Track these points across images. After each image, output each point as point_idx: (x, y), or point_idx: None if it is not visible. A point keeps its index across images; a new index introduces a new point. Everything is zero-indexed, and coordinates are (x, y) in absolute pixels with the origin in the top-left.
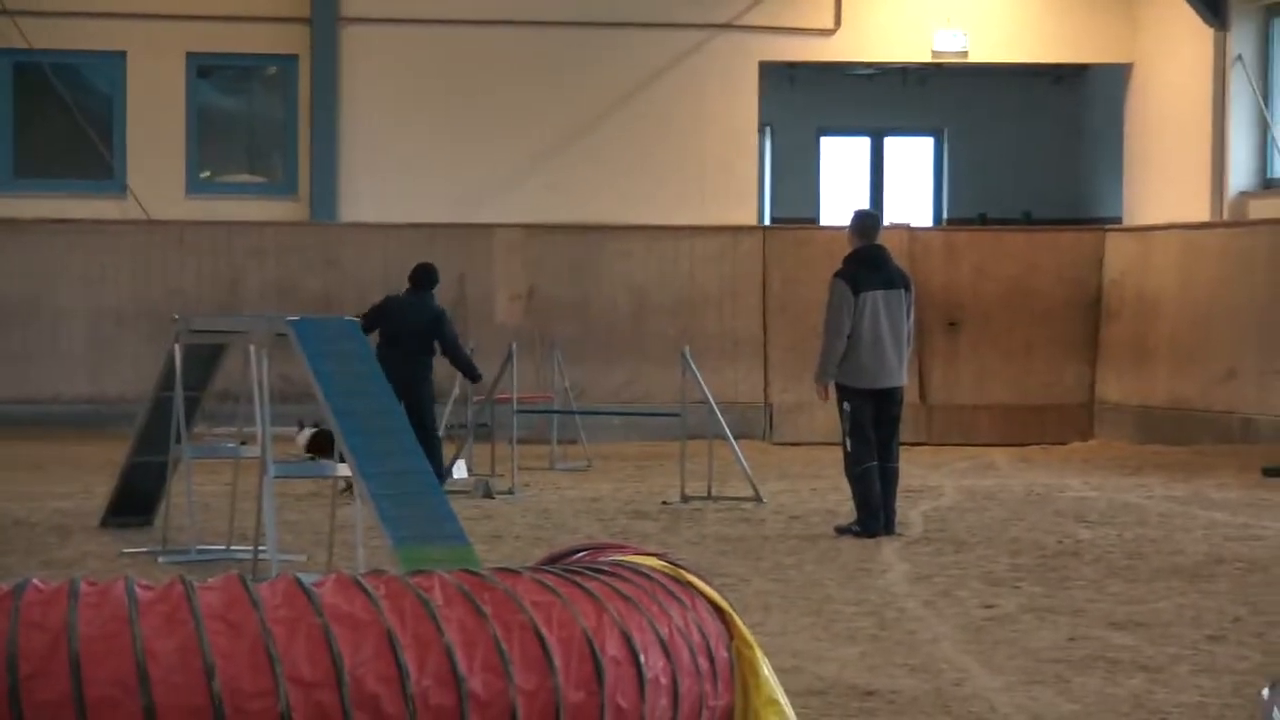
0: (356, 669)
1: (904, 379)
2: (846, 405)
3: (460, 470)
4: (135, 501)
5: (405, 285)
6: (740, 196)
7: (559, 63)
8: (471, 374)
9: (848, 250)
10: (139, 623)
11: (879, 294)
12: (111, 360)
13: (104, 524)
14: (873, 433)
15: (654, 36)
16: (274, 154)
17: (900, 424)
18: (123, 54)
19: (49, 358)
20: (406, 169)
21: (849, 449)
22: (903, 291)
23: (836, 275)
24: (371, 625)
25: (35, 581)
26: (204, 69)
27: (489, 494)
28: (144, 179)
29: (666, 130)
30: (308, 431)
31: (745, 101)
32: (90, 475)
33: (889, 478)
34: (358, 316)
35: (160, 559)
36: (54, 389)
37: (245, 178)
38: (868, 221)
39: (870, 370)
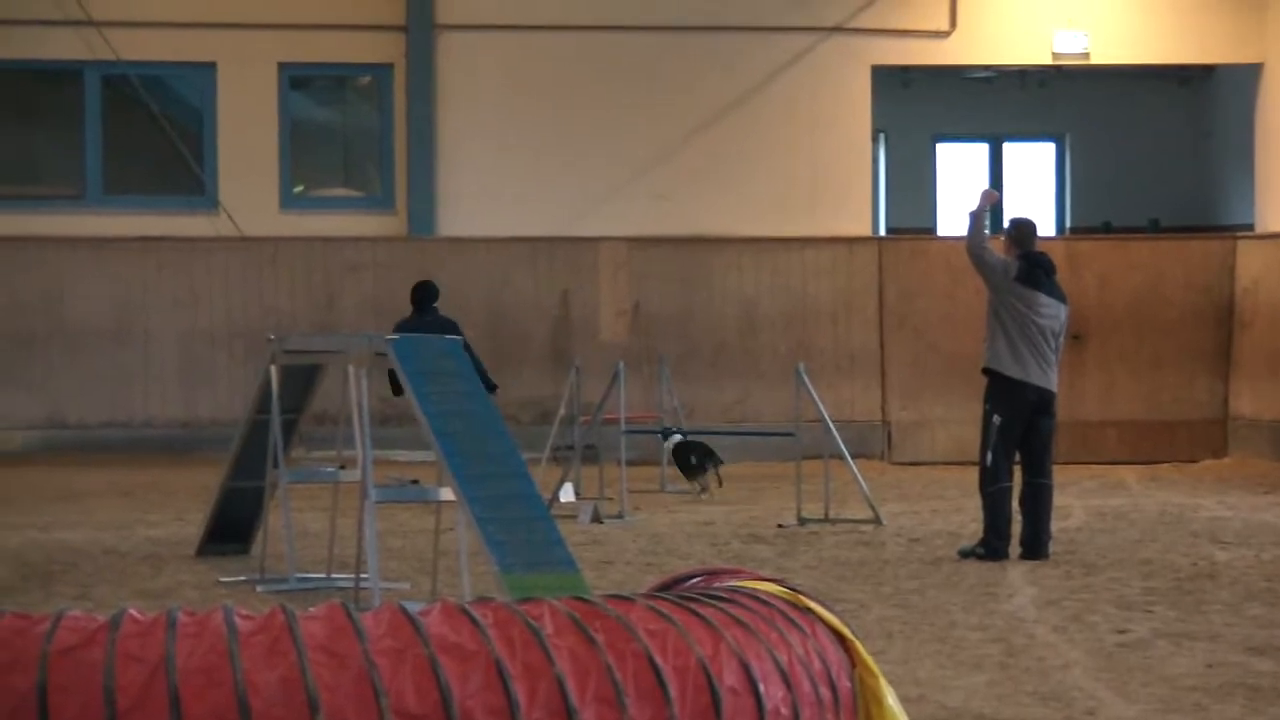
0: (465, 701)
1: (1056, 388)
2: (996, 418)
3: (568, 494)
4: (231, 528)
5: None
6: (854, 206)
7: (664, 69)
8: (489, 383)
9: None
10: (239, 654)
11: (1050, 299)
12: (204, 382)
13: (200, 552)
14: (1019, 449)
15: (762, 41)
16: (369, 167)
17: (1054, 439)
18: (213, 65)
19: (140, 380)
20: (507, 181)
21: (988, 464)
22: (1064, 307)
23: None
24: (479, 655)
25: (132, 612)
26: (296, 80)
27: (597, 518)
28: (236, 194)
29: (776, 138)
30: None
31: (858, 107)
32: (183, 501)
33: (1042, 495)
34: None
35: (258, 588)
36: (145, 412)
37: (340, 192)
38: (1027, 229)
39: (1032, 365)
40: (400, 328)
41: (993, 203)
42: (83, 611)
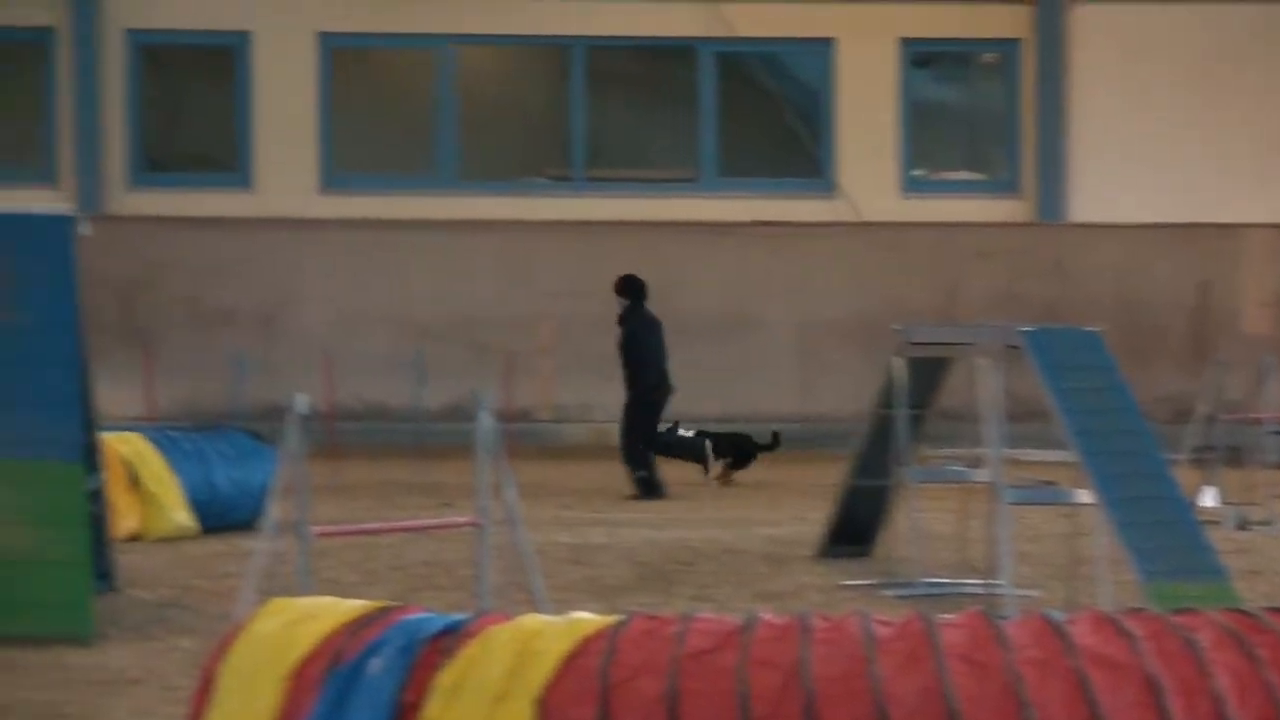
0: (1115, 716)
1: None
2: None
3: (1210, 498)
4: (853, 529)
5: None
6: None
7: None
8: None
9: None
10: (877, 662)
11: None
12: (821, 374)
13: (822, 553)
14: None
15: None
16: (994, 148)
17: None
18: (831, 41)
19: (754, 372)
20: (1141, 163)
21: None
22: None
23: None
24: (1131, 669)
25: (766, 616)
26: (918, 56)
27: (1243, 525)
28: (854, 177)
29: None
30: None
31: None
32: (801, 499)
33: None
34: (623, 340)
35: (884, 592)
36: (758, 405)
37: (963, 175)
38: None
39: None
40: (640, 319)
41: None
42: (711, 613)
